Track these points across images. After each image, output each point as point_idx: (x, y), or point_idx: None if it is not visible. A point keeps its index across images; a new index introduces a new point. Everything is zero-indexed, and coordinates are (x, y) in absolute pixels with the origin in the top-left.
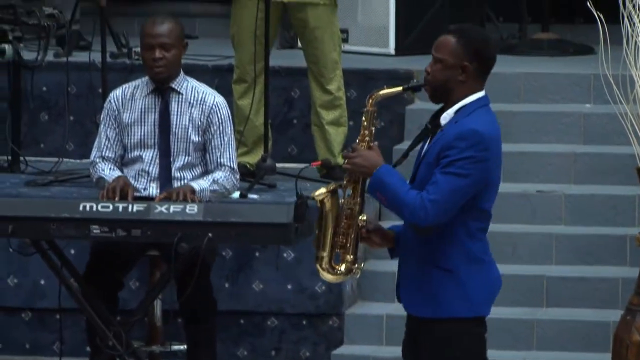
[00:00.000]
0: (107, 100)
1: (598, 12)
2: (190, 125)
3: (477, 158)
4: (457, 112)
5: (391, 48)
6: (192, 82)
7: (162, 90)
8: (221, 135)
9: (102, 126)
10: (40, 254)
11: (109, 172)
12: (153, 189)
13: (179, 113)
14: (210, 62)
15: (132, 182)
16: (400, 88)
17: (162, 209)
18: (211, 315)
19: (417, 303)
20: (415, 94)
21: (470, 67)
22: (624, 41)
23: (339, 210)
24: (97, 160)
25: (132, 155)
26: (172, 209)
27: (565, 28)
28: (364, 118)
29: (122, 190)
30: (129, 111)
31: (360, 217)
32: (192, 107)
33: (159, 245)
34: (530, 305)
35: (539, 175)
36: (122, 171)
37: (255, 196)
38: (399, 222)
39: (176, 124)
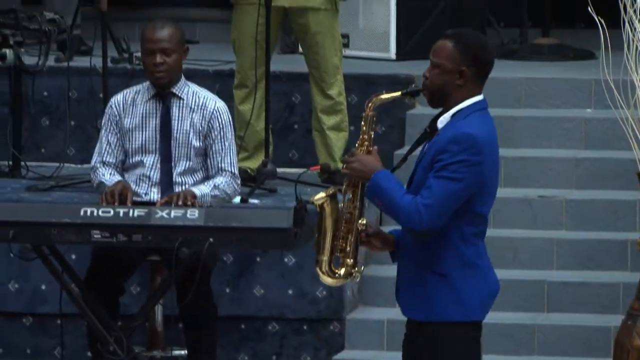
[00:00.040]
0: (108, 105)
1: (599, 17)
2: (192, 130)
3: (471, 162)
4: (453, 115)
5: (392, 53)
6: (193, 87)
7: (163, 96)
8: (222, 140)
9: (103, 131)
10: (41, 259)
11: (109, 177)
12: (154, 194)
13: (180, 118)
14: (211, 67)
15: (133, 187)
16: (398, 93)
17: (163, 214)
18: (211, 320)
19: (413, 306)
20: (416, 99)
21: (468, 71)
22: (625, 46)
23: (338, 215)
24: (98, 165)
25: (134, 161)
26: (173, 214)
27: (566, 33)
28: (363, 123)
29: (121, 194)
30: (130, 116)
31: (359, 221)
32: (193, 112)
33: (160, 251)
34: (531, 311)
35: (539, 180)
36: (122, 176)
37: (256, 201)
38: (400, 227)
39: (177, 129)
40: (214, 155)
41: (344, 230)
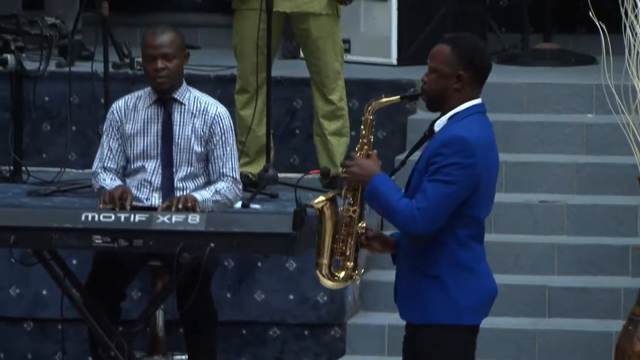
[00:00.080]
0: (110, 111)
1: (600, 22)
2: (193, 135)
3: (463, 164)
4: (450, 119)
5: (393, 58)
6: (195, 93)
7: (165, 101)
8: (223, 145)
9: (104, 137)
10: (42, 264)
11: (110, 182)
12: (155, 199)
13: (181, 123)
14: (213, 72)
15: (135, 192)
16: (397, 97)
17: (164, 219)
18: (212, 325)
19: (409, 308)
20: (417, 104)
21: (466, 75)
22: (626, 51)
23: (338, 218)
24: (99, 170)
25: (135, 166)
26: (174, 219)
27: (567, 38)
28: (362, 127)
29: (121, 198)
30: (131, 122)
31: (359, 225)
32: (194, 117)
33: (161, 256)
34: (532, 316)
35: (541, 186)
36: (124, 182)
37: (257, 206)
38: None
39: (179, 135)
40: (216, 161)
41: (343, 233)
